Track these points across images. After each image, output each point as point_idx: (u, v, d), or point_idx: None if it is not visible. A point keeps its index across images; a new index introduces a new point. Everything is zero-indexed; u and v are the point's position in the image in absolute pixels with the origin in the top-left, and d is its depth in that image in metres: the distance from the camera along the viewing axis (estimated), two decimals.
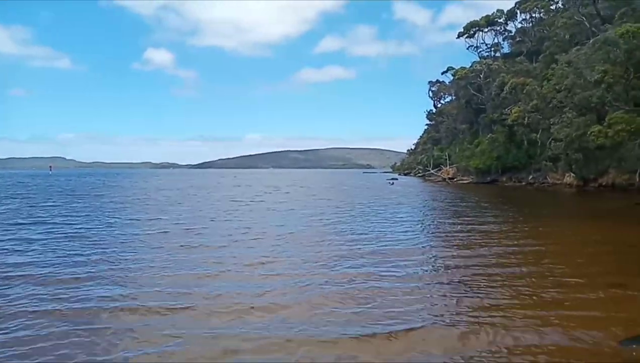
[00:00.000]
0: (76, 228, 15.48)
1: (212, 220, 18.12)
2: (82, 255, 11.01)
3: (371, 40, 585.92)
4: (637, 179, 29.88)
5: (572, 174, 37.56)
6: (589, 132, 28.23)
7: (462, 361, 5.25)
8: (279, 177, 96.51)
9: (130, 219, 18.37)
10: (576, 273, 9.21)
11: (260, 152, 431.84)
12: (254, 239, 13.54)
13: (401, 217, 19.40)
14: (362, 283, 8.45)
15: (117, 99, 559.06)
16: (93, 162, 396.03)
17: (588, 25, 41.30)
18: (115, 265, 9.93)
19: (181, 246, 12.20)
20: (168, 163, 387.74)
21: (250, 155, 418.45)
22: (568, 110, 32.82)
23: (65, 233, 14.43)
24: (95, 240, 13.08)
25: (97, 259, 10.49)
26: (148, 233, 14.56)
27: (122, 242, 12.81)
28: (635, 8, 30.97)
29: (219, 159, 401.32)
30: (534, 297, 7.61)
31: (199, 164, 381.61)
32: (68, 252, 11.28)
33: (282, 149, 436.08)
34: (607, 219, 18.86)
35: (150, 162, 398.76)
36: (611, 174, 33.64)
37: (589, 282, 8.49)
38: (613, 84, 28.34)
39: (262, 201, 28.73)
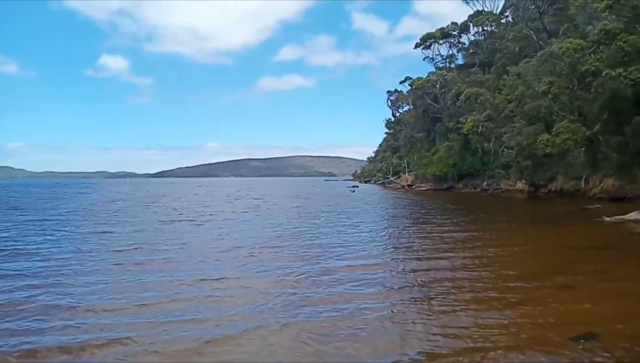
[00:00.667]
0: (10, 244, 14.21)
1: (165, 234, 17.17)
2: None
3: (330, 49, 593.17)
4: (583, 185, 31.47)
5: (523, 181, 39.14)
6: (538, 141, 29.52)
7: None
8: (241, 185, 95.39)
9: (75, 233, 17.26)
10: (528, 275, 9.64)
11: (221, 161, 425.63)
12: (217, 252, 12.92)
13: (362, 225, 19.52)
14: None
15: (69, 106, 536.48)
16: (44, 172, 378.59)
17: (535, 38, 43.41)
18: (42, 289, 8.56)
19: (134, 264, 11.04)
20: (125, 172, 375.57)
21: (210, 164, 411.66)
22: (518, 119, 34.29)
23: None
24: (31, 256, 12.01)
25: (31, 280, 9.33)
26: (93, 249, 13.32)
27: (63, 259, 11.64)
28: (577, 24, 32.85)
29: (178, 168, 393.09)
30: (487, 300, 7.86)
31: (157, 173, 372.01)
32: None
33: (244, 158, 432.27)
34: (556, 223, 19.76)
35: (106, 171, 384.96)
36: (559, 180, 35.29)
37: (540, 283, 8.88)
38: (559, 94, 29.84)
39: (222, 211, 28.01)
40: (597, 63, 26.54)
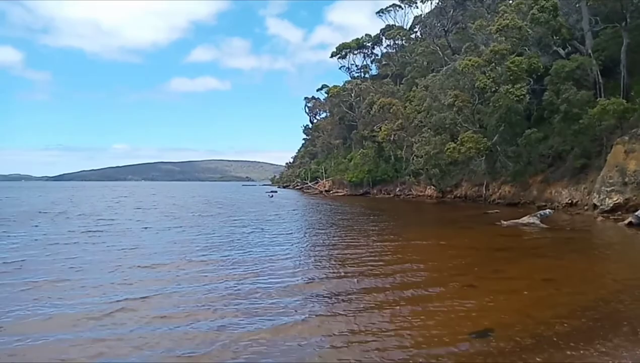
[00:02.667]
0: None
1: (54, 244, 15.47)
2: None
3: (245, 53, 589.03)
4: (484, 191, 34.32)
5: (432, 187, 41.70)
6: (445, 149, 31.70)
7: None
8: (150, 190, 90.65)
9: None
10: (433, 276, 10.52)
11: (129, 163, 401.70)
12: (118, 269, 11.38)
13: (280, 232, 19.59)
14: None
15: None
16: None
17: (441, 54, 46.57)
18: None
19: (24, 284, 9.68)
20: (19, 174, 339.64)
21: (118, 167, 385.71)
22: (427, 129, 36.53)
23: None
24: None
25: None
26: None
27: None
28: (477, 43, 35.86)
29: (82, 171, 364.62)
30: (395, 297, 8.50)
31: (57, 176, 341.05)
32: None
33: (155, 161, 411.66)
34: (460, 227, 21.38)
35: None
36: (464, 186, 38.14)
37: (444, 283, 9.71)
38: (462, 107, 32.32)
39: (130, 219, 25.69)
40: (489, 80, 29.23)
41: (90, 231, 19.12)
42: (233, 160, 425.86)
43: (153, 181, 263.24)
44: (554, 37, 28.94)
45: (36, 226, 21.29)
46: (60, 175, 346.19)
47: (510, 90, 27.77)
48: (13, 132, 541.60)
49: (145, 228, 20.73)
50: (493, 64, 29.64)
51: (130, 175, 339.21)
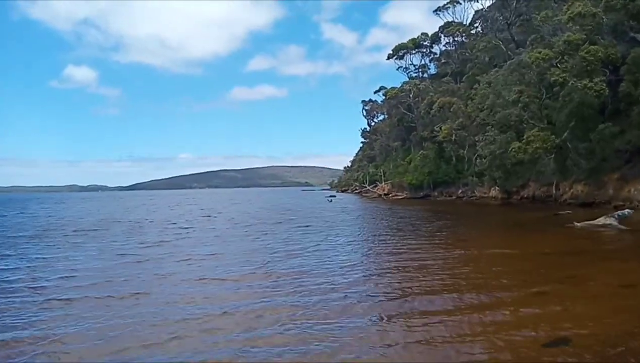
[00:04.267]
0: None
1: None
2: None
3: (301, 59, 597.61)
4: (554, 191, 32.37)
5: (496, 188, 39.97)
6: (510, 149, 30.23)
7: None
8: (217, 197, 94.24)
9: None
10: (503, 282, 9.96)
11: (195, 172, 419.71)
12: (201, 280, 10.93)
13: (345, 238, 19.56)
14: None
15: (35, 119, 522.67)
16: (12, 186, 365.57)
17: (504, 49, 44.61)
18: None
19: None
20: (96, 185, 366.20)
21: (183, 175, 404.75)
22: (490, 127, 35.05)
23: None
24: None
25: None
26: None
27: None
28: (543, 35, 33.96)
29: (151, 180, 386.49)
30: (463, 307, 8.07)
31: (130, 186, 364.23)
32: None
33: (218, 168, 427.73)
34: (529, 230, 20.27)
35: (76, 185, 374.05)
36: (531, 186, 36.22)
37: (514, 290, 9.16)
38: (528, 103, 30.68)
39: (209, 227, 25.34)
40: (564, 74, 27.44)
41: (165, 241, 19.72)
42: (292, 166, 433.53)
43: (217, 188, 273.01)
44: (631, 23, 26.75)
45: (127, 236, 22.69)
46: (132, 184, 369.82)
47: (589, 85, 25.89)
48: (90, 146, 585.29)
49: (218, 236, 21.43)
50: (566, 56, 27.82)
51: (195, 183, 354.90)
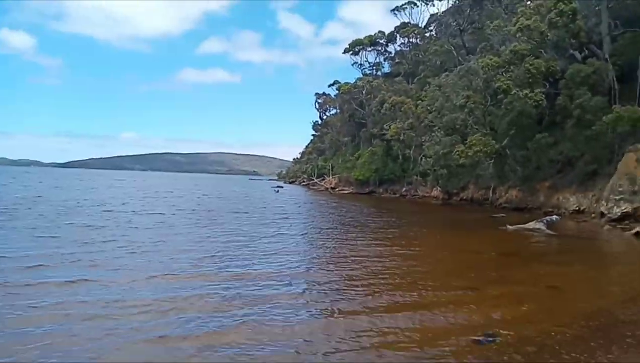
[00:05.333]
0: None
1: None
2: None
3: (256, 46, 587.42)
4: (491, 195, 33.90)
5: (438, 188, 41.28)
6: (454, 151, 31.27)
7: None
8: (160, 181, 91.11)
9: None
10: (438, 280, 10.31)
11: (137, 153, 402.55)
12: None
13: (291, 231, 19.44)
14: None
15: None
16: None
17: (455, 54, 46.05)
18: None
19: None
20: (28, 160, 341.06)
21: (125, 156, 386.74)
22: (437, 129, 36.09)
23: None
24: None
25: None
26: None
27: None
28: (492, 44, 35.31)
29: (90, 158, 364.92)
30: (398, 300, 8.31)
31: (65, 163, 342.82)
32: None
33: (162, 151, 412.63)
34: (466, 230, 21.12)
35: (5, 158, 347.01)
36: (471, 189, 37.70)
37: (448, 287, 9.50)
38: (474, 108, 31.85)
39: (151, 212, 23.72)
40: (508, 82, 28.71)
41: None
42: (240, 154, 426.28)
43: (160, 171, 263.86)
44: (572, 41, 28.38)
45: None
46: (68, 162, 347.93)
47: (529, 94, 27.24)
48: (23, 117, 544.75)
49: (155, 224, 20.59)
50: (512, 65, 29.08)
51: (138, 164, 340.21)
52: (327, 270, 10.78)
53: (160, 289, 8.44)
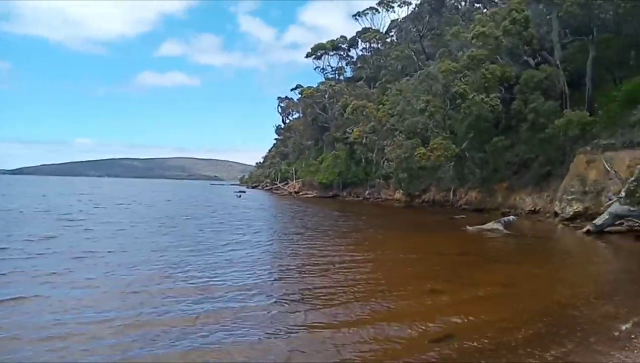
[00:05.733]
0: None
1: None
2: None
3: (216, 49, 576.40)
4: (452, 197, 34.71)
5: (401, 191, 41.89)
6: (415, 154, 31.87)
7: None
8: (118, 187, 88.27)
9: None
10: (398, 279, 10.48)
11: (93, 159, 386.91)
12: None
13: (253, 237, 19.20)
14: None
15: None
16: None
17: (416, 59, 47.06)
18: None
19: None
20: None
21: (80, 162, 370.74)
22: (399, 133, 36.69)
23: None
24: None
25: None
26: None
27: None
28: (451, 50, 36.33)
29: (42, 164, 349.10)
30: (360, 302, 8.34)
31: (15, 170, 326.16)
32: None
33: (120, 156, 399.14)
34: (427, 231, 21.50)
35: None
36: (432, 191, 38.48)
37: (408, 287, 9.64)
38: (434, 113, 32.59)
39: (108, 220, 23.23)
40: (465, 86, 29.58)
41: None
42: (201, 158, 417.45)
43: (117, 177, 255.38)
44: (525, 48, 29.54)
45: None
46: (19, 168, 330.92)
47: (485, 99, 28.13)
48: None
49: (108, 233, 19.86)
50: (469, 70, 29.97)
51: (94, 170, 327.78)
52: (293, 279, 10.62)
53: (120, 305, 8.02)
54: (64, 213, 25.16)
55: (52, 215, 23.95)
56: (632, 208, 16.79)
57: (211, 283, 9.63)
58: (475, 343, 6.18)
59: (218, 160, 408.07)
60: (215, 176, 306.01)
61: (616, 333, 6.58)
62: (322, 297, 8.65)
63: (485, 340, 6.29)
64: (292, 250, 14.99)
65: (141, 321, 7.08)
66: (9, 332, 6.50)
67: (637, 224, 18.05)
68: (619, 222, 17.96)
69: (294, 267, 11.81)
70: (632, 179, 16.52)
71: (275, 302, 8.37)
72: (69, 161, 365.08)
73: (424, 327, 6.92)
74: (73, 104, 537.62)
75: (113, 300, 8.27)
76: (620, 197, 16.92)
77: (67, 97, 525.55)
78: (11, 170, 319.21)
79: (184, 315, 7.43)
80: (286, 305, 8.16)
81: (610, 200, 18.30)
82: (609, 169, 19.47)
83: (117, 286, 9.24)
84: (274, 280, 10.42)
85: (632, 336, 6.35)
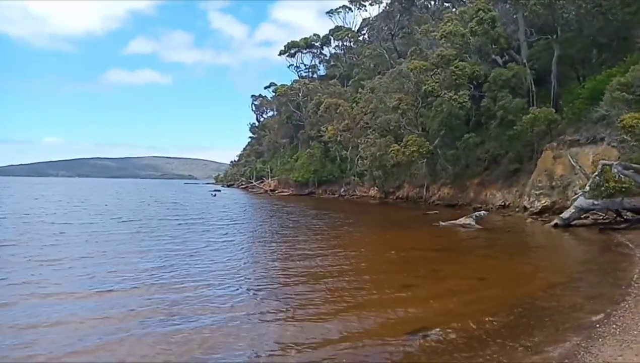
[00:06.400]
0: None
1: None
2: None
3: (187, 46, 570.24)
4: (425, 193, 35.31)
5: (375, 188, 42.35)
6: (389, 151, 32.26)
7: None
8: (87, 187, 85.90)
9: None
10: (373, 275, 10.69)
11: (62, 158, 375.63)
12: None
13: (233, 237, 19.10)
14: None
15: None
16: None
17: (388, 57, 47.53)
18: None
19: None
20: None
21: (48, 162, 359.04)
22: (372, 131, 37.05)
23: None
24: None
25: None
26: None
27: None
28: (422, 48, 36.91)
29: (9, 165, 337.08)
30: (333, 297, 8.53)
31: None
32: None
33: (91, 156, 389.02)
34: (401, 227, 21.84)
35: None
36: (406, 188, 39.03)
37: (383, 282, 9.90)
38: (406, 110, 33.07)
39: (79, 222, 22.41)
40: (435, 84, 30.15)
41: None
42: (175, 158, 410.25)
43: (88, 178, 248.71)
44: (493, 46, 30.27)
45: None
46: None
47: (454, 97, 28.74)
48: None
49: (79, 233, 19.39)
50: (439, 68, 30.53)
51: (64, 170, 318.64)
52: (267, 268, 10.73)
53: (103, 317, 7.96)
54: (35, 215, 24.32)
55: (22, 219, 23.11)
56: (596, 202, 17.47)
57: (192, 290, 9.36)
58: (448, 337, 6.40)
59: (192, 158, 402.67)
60: (189, 175, 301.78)
61: (583, 323, 6.87)
62: (292, 292, 8.81)
63: (458, 333, 6.51)
64: (269, 250, 14.96)
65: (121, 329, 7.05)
66: None
67: (602, 217, 18.88)
68: (584, 215, 18.71)
69: (267, 264, 11.87)
70: (596, 173, 17.18)
71: (246, 290, 8.54)
72: (38, 161, 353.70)
73: (398, 321, 7.15)
74: (40, 102, 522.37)
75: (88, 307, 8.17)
76: (585, 191, 17.56)
77: (33, 95, 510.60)
78: None
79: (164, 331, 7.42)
80: (257, 298, 8.28)
81: (576, 194, 19.00)
82: (574, 164, 20.18)
83: (95, 291, 9.12)
84: (251, 278, 10.43)
85: (598, 325, 6.67)
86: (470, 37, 29.74)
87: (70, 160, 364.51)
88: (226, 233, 18.57)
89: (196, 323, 6.97)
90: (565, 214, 18.47)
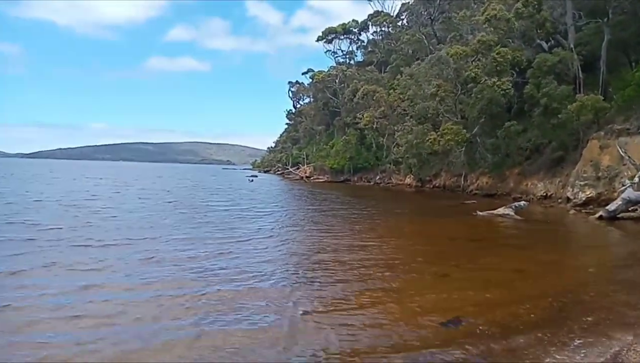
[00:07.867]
0: None
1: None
2: None
3: (225, 34, 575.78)
4: (462, 182, 34.68)
5: (411, 176, 41.93)
6: (426, 139, 31.80)
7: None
8: (133, 171, 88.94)
9: None
10: (409, 263, 10.60)
11: (109, 143, 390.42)
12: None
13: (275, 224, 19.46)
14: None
15: None
16: None
17: (427, 43, 46.48)
18: None
19: None
20: None
21: (94, 146, 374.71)
22: (409, 118, 36.56)
23: None
24: None
25: None
26: None
27: None
28: (462, 34, 35.89)
29: (59, 149, 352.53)
30: (368, 286, 8.52)
31: (32, 153, 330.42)
32: None
33: (133, 141, 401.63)
34: (438, 216, 21.59)
35: None
36: (443, 176, 38.47)
37: (419, 271, 9.82)
38: (445, 97, 32.38)
39: (128, 206, 23.19)
40: (477, 70, 29.32)
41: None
42: (213, 143, 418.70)
43: (131, 161, 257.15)
44: (538, 31, 29.12)
45: None
46: (35, 152, 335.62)
47: (497, 83, 27.92)
48: None
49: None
50: (480, 54, 29.69)
51: (108, 154, 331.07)
52: (305, 262, 10.91)
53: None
54: (85, 199, 25.39)
55: (70, 200, 24.13)
56: None
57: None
58: (483, 327, 6.35)
59: (229, 144, 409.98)
60: (227, 160, 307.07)
61: (628, 320, 6.62)
62: (331, 281, 8.87)
63: (493, 324, 6.45)
64: (306, 236, 15.10)
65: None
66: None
67: None
68: (632, 207, 17.90)
69: (306, 252, 12.03)
70: None
71: (286, 280, 8.71)
72: (84, 145, 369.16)
73: (433, 310, 7.11)
74: (86, 89, 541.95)
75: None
76: (634, 183, 16.85)
77: (79, 82, 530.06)
78: (28, 154, 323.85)
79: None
80: (293, 284, 8.46)
81: (623, 185, 18.23)
82: (623, 154, 19.32)
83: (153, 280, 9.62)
84: (289, 260, 10.66)
85: None
86: (515, 22, 28.67)
87: (114, 144, 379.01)
88: (275, 221, 18.52)
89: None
90: (612, 206, 17.76)
